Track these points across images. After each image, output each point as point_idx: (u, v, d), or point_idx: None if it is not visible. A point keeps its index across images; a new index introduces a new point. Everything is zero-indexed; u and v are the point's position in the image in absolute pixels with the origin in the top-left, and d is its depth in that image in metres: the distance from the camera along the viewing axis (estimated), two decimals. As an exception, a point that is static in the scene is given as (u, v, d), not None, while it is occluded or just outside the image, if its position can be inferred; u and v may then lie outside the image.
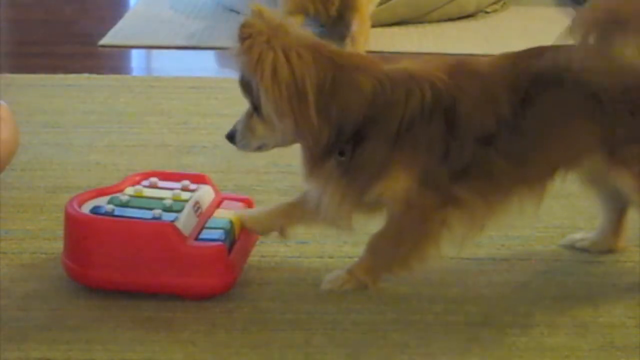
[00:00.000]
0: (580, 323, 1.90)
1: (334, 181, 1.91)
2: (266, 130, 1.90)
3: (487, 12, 4.21)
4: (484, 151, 1.90)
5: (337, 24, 3.75)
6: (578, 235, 2.19)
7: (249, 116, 1.92)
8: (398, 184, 1.89)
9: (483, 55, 3.56)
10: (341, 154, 1.89)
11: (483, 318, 1.91)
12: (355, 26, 3.64)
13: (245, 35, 1.83)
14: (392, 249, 1.95)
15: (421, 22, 4.02)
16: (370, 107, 1.86)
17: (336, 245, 2.15)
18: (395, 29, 3.94)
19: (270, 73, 1.81)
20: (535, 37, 3.91)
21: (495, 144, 1.90)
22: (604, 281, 2.06)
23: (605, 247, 2.15)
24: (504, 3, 4.32)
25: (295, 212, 2.00)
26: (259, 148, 1.95)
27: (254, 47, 1.82)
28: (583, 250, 2.16)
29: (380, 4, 3.91)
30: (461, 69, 1.93)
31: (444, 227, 1.93)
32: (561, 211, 2.35)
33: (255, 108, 1.89)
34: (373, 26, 3.77)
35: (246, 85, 1.88)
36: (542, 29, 4.00)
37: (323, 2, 3.74)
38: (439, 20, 4.05)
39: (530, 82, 1.90)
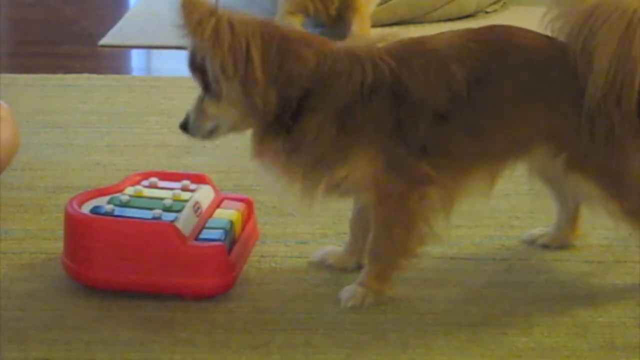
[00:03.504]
0: (580, 323, 1.90)
1: (281, 160, 1.90)
2: (217, 109, 1.89)
3: (487, 12, 4.21)
4: (441, 127, 1.89)
5: (337, 24, 3.75)
6: (537, 231, 2.19)
7: (199, 100, 1.91)
8: (361, 168, 1.88)
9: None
10: (287, 130, 1.88)
11: (483, 318, 1.91)
12: (355, 26, 3.64)
13: (189, 5, 1.82)
14: (389, 245, 1.94)
15: (421, 22, 4.02)
16: (312, 80, 1.86)
17: (336, 245, 2.15)
18: (395, 29, 3.94)
19: (212, 33, 1.80)
20: (535, 37, 3.93)
21: (452, 120, 1.89)
22: (604, 281, 2.06)
23: (564, 241, 2.16)
24: (504, 3, 4.32)
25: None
26: (212, 132, 1.92)
27: (194, 13, 1.82)
28: (543, 246, 2.16)
29: (380, 4, 3.91)
30: (414, 47, 1.92)
31: (424, 203, 1.92)
32: (561, 211, 2.35)
33: (205, 87, 1.88)
34: (373, 26, 3.77)
35: (194, 63, 1.87)
36: (542, 29, 4.00)
37: (323, 2, 3.74)
38: (439, 20, 4.04)
39: (487, 58, 1.90)
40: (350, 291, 1.96)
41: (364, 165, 1.89)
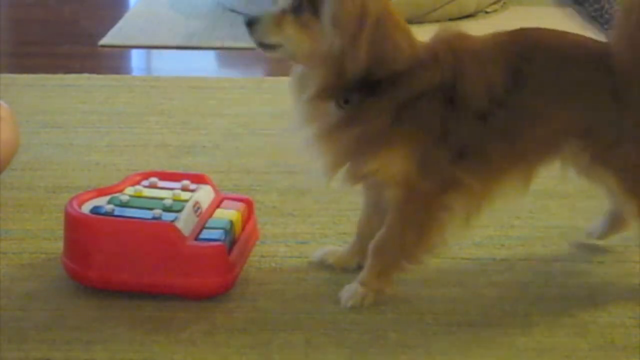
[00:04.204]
0: (580, 323, 1.90)
1: (328, 129, 1.89)
2: (297, 34, 1.84)
3: (487, 12, 4.21)
4: (480, 130, 1.89)
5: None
6: (589, 229, 2.19)
7: (282, 12, 1.86)
8: (396, 164, 1.88)
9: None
10: (346, 101, 1.87)
11: (483, 318, 1.91)
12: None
13: None
14: (397, 244, 1.94)
15: (421, 22, 4.01)
16: (398, 65, 1.85)
17: (336, 245, 2.15)
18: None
19: None
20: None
21: (490, 121, 1.89)
22: (604, 281, 2.06)
23: (614, 232, 2.16)
24: (504, 3, 4.32)
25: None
26: (273, 47, 1.87)
27: None
28: (592, 245, 2.16)
29: (381, 4, 3.91)
30: (462, 44, 1.92)
31: (447, 212, 1.92)
32: (560, 211, 2.35)
33: (298, 6, 1.83)
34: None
35: None
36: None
37: (323, 2, 3.73)
38: (439, 20, 4.04)
39: (522, 60, 1.91)
40: (350, 291, 1.95)
41: (398, 162, 1.88)
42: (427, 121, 1.88)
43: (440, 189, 1.90)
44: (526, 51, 1.92)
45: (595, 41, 2.01)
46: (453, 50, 1.90)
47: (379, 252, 1.96)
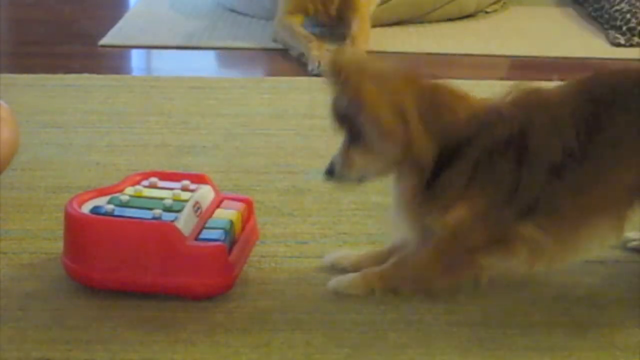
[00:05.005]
0: (580, 323, 1.90)
1: (416, 205, 1.91)
2: (366, 160, 1.89)
3: (487, 12, 4.21)
4: (552, 185, 1.87)
5: (337, 23, 3.75)
6: (632, 234, 2.16)
7: (345, 149, 1.90)
8: (454, 216, 1.88)
9: (482, 56, 3.63)
10: (432, 178, 1.89)
11: (483, 318, 1.91)
12: (355, 26, 3.64)
13: (338, 68, 1.84)
14: (419, 270, 1.94)
15: (421, 22, 4.02)
16: (465, 131, 1.86)
17: (336, 245, 2.15)
18: (395, 29, 3.94)
19: (367, 95, 1.81)
20: (535, 37, 3.95)
21: (563, 176, 1.87)
22: (604, 281, 2.06)
23: None
24: (504, 3, 4.32)
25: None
26: (360, 180, 1.93)
27: (349, 79, 1.82)
28: (634, 250, 2.15)
29: (380, 4, 3.91)
30: (532, 98, 1.91)
31: (479, 270, 1.93)
32: (561, 211, 2.35)
33: (354, 138, 1.88)
34: (373, 26, 3.77)
35: (342, 116, 1.87)
36: (542, 29, 4.01)
37: (323, 2, 3.74)
38: (439, 20, 4.05)
39: (596, 107, 1.88)
40: (344, 276, 1.97)
41: (457, 212, 1.88)
42: (496, 179, 1.87)
43: (487, 244, 1.90)
44: (600, 97, 1.89)
45: None
46: (523, 105, 1.88)
47: (399, 263, 1.96)
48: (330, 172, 1.92)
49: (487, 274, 1.95)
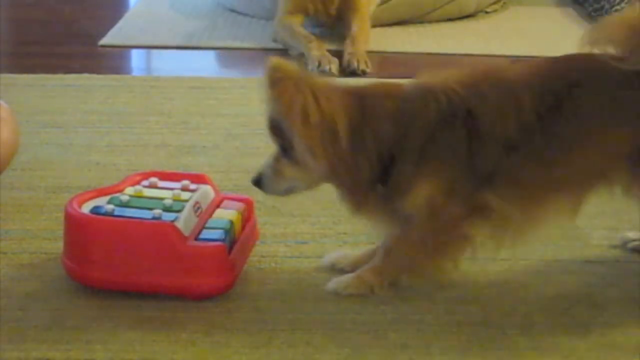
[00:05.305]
0: (580, 323, 1.90)
1: (380, 210, 1.92)
2: (296, 172, 1.90)
3: (487, 12, 4.21)
4: (511, 157, 1.88)
5: (337, 23, 3.75)
6: (632, 234, 2.17)
7: (276, 159, 1.92)
8: (422, 195, 1.88)
9: (482, 56, 3.63)
10: (382, 183, 1.90)
11: (483, 318, 1.91)
12: (355, 26, 3.64)
13: (275, 79, 1.84)
14: (409, 255, 1.95)
15: (421, 22, 4.02)
16: (398, 127, 1.87)
17: (336, 245, 2.16)
18: (395, 29, 3.94)
19: (302, 116, 1.81)
20: (535, 37, 3.95)
21: (523, 149, 1.88)
22: (604, 281, 2.06)
23: None
24: (504, 3, 4.32)
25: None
26: (288, 191, 1.95)
27: (285, 92, 1.82)
28: (633, 250, 2.15)
29: (380, 4, 3.91)
30: (486, 77, 1.91)
31: (466, 241, 1.93)
32: (561, 211, 2.35)
33: (284, 150, 1.89)
34: (373, 26, 3.78)
35: (275, 128, 1.88)
36: (542, 29, 4.01)
37: (323, 2, 3.74)
38: (439, 20, 4.05)
39: (561, 87, 1.89)
40: (341, 277, 1.97)
41: (425, 192, 1.88)
42: (447, 154, 1.88)
43: (464, 215, 1.90)
44: (566, 78, 1.90)
45: None
46: (473, 83, 1.88)
47: (388, 253, 1.97)
48: (257, 183, 1.94)
49: (478, 242, 1.94)
